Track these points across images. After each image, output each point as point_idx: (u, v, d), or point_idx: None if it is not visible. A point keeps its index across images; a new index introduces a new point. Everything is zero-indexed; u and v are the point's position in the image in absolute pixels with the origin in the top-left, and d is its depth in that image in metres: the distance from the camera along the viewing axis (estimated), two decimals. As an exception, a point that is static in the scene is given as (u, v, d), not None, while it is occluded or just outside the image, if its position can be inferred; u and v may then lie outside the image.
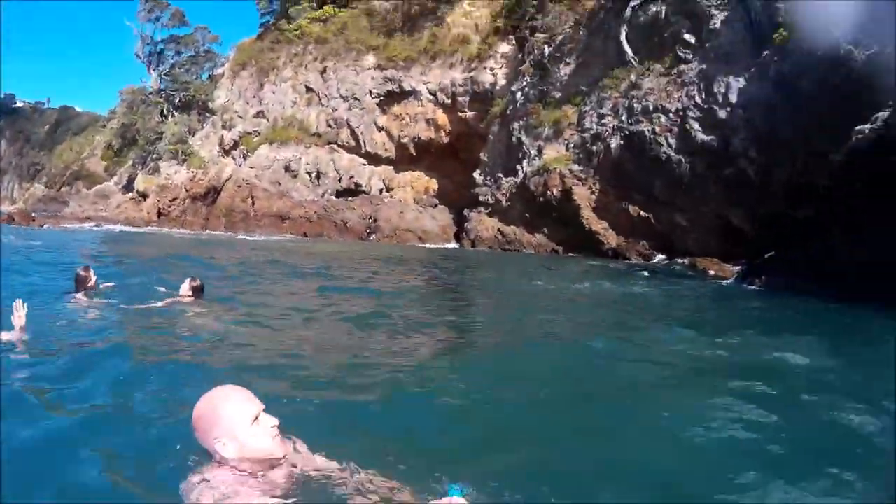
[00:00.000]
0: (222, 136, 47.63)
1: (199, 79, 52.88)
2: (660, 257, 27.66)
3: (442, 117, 41.02)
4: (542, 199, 30.85)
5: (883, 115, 19.30)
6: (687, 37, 28.89)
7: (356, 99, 43.80)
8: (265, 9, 53.94)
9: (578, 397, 6.35)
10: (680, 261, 26.32)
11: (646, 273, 23.28)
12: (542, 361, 7.98)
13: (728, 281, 21.96)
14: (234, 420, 3.02)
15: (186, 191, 45.29)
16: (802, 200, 22.49)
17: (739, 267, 22.89)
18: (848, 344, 10.12)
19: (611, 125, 29.46)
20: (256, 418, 3.05)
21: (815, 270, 18.73)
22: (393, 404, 5.47)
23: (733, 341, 9.50)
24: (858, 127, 20.00)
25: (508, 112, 34.77)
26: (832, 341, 9.79)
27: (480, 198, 34.63)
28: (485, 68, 38.86)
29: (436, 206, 41.25)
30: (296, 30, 47.65)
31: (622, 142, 28.79)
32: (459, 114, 40.04)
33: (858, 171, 18.95)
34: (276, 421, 3.13)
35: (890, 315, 12.59)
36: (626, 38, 30.61)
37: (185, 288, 10.08)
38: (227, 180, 44.98)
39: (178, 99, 50.32)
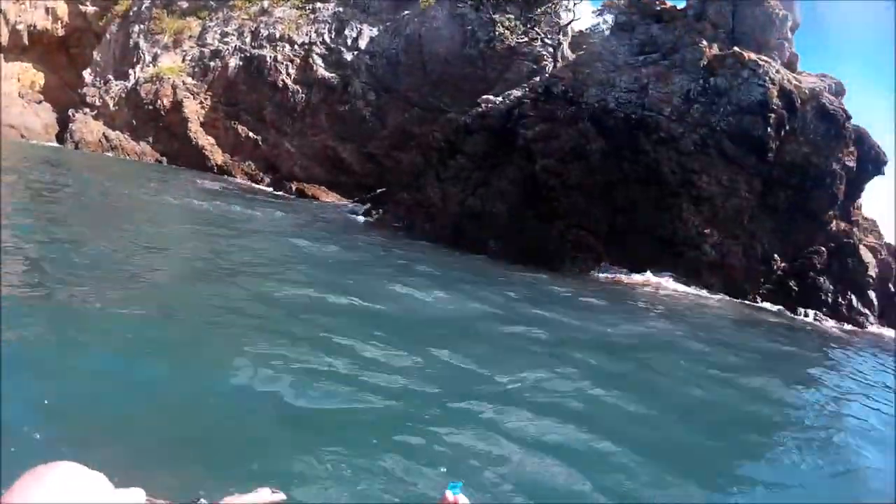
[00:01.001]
0: None
1: None
2: (267, 180, 26.16)
3: (62, 7, 35.33)
4: (151, 107, 27.90)
5: (517, 93, 20.61)
6: (332, -20, 28.10)
7: (-15, -29, 36.28)
8: None
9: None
10: (288, 184, 25.27)
11: (258, 197, 22.08)
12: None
13: (341, 208, 22.43)
14: None
15: None
16: (409, 147, 23.05)
17: (351, 200, 23.39)
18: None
19: (233, 45, 27.57)
20: None
21: (422, 210, 19.99)
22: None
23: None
24: (486, 97, 21.02)
25: (131, 13, 31.10)
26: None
27: (88, 99, 30.39)
28: (119, -37, 34.45)
29: (40, 102, 35.66)
30: None
31: (241, 62, 27.04)
32: (80, 6, 34.90)
33: (482, 132, 20.30)
34: None
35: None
36: (270, -35, 28.95)
37: None
38: None
39: None
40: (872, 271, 17.68)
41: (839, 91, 19.16)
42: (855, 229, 18.17)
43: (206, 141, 26.74)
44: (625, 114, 18.78)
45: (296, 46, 26.43)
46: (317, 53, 26.10)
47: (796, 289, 17.31)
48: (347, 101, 25.35)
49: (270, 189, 24.88)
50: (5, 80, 36.85)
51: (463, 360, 6.57)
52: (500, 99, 20.96)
